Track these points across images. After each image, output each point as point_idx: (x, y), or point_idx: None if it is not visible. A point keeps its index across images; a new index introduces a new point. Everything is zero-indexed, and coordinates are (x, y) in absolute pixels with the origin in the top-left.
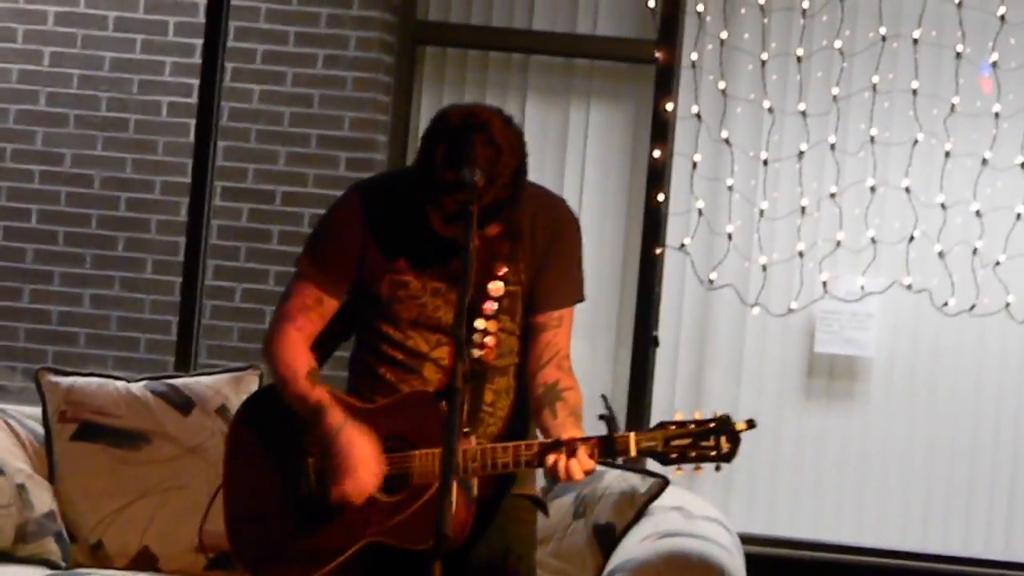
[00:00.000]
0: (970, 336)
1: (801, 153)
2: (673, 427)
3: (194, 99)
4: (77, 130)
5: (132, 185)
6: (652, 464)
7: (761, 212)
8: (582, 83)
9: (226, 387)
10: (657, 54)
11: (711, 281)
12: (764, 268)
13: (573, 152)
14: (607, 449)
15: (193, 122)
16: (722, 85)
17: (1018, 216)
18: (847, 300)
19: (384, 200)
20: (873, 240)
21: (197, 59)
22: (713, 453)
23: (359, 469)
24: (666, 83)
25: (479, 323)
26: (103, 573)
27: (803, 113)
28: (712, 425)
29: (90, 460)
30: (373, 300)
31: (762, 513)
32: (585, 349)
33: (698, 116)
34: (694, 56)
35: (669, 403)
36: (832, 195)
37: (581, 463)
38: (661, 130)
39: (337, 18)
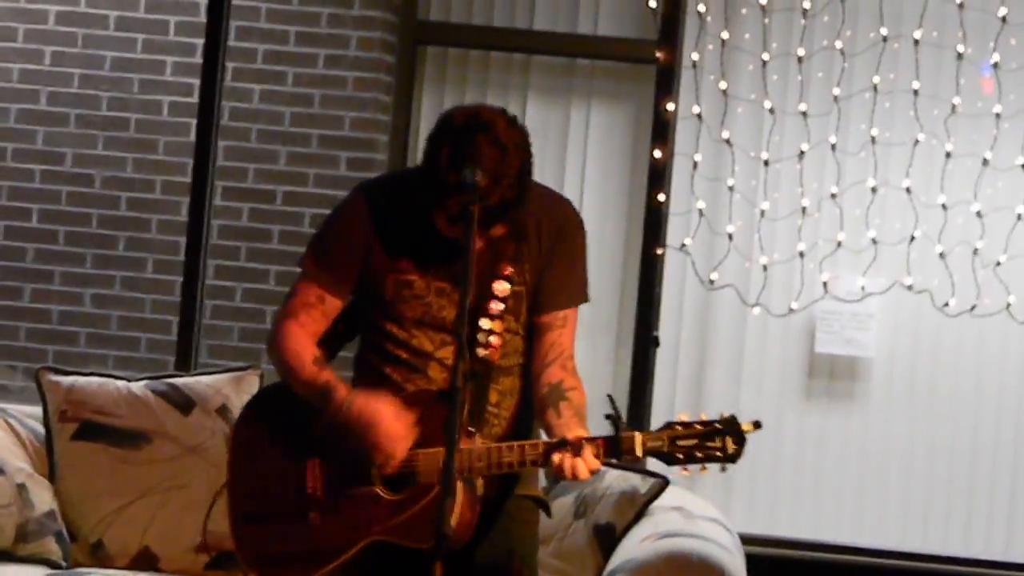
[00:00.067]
0: (971, 337)
1: (802, 153)
2: (679, 428)
3: (195, 98)
4: (78, 129)
5: (133, 184)
6: (656, 464)
7: (762, 212)
8: (583, 83)
9: (227, 387)
10: (658, 54)
11: (712, 281)
12: (765, 268)
13: (574, 152)
14: (613, 449)
15: (194, 121)
16: (723, 85)
17: (1019, 216)
18: (848, 300)
19: (389, 200)
20: (874, 240)
21: (198, 59)
22: (719, 454)
23: (384, 427)
24: (667, 83)
25: (484, 323)
26: (103, 573)
27: (804, 113)
28: (718, 426)
29: (90, 460)
30: (378, 300)
31: (762, 513)
32: (586, 349)
33: (699, 116)
34: (695, 56)
35: (669, 403)
36: (833, 195)
37: (587, 463)
38: (662, 130)
39: (338, 18)
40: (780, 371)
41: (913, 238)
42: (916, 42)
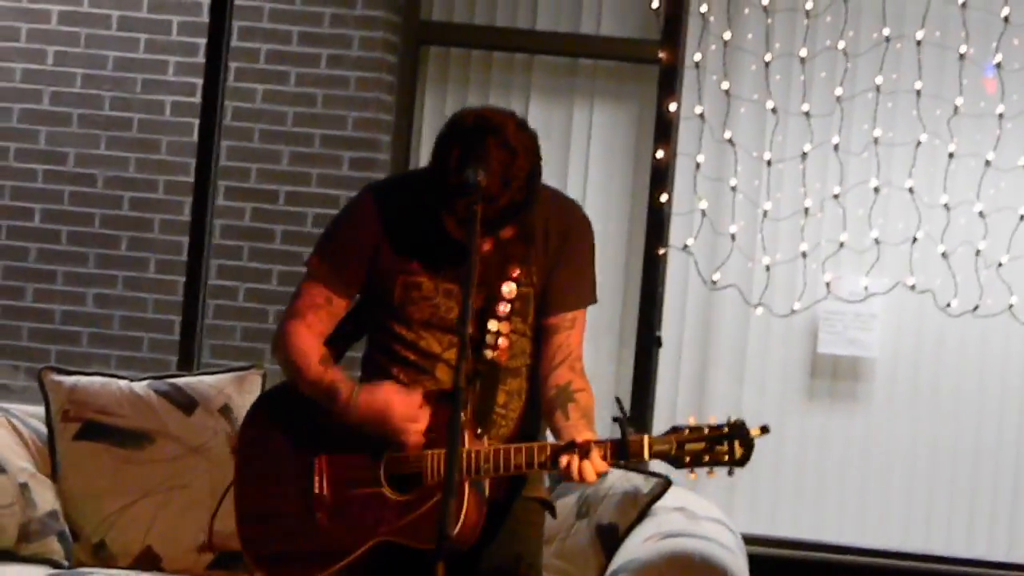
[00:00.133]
0: (973, 337)
1: (804, 154)
2: (687, 431)
3: (198, 98)
4: (81, 129)
5: (135, 184)
6: (663, 467)
7: (764, 213)
8: (585, 83)
9: (229, 387)
10: (661, 54)
11: (714, 281)
12: (767, 268)
13: (576, 152)
14: (620, 452)
15: (197, 121)
16: (725, 85)
17: (1021, 217)
18: (850, 301)
19: (398, 201)
20: (876, 241)
21: (201, 58)
22: (726, 458)
23: (396, 411)
24: (669, 83)
25: (492, 325)
26: (106, 572)
27: (807, 114)
28: (726, 430)
29: (93, 459)
30: (386, 301)
31: (765, 514)
32: (588, 349)
33: (701, 116)
34: (697, 56)
35: (672, 403)
36: (835, 196)
37: (594, 465)
38: (664, 130)
39: (341, 18)
40: (783, 371)
41: (916, 238)
42: (919, 42)
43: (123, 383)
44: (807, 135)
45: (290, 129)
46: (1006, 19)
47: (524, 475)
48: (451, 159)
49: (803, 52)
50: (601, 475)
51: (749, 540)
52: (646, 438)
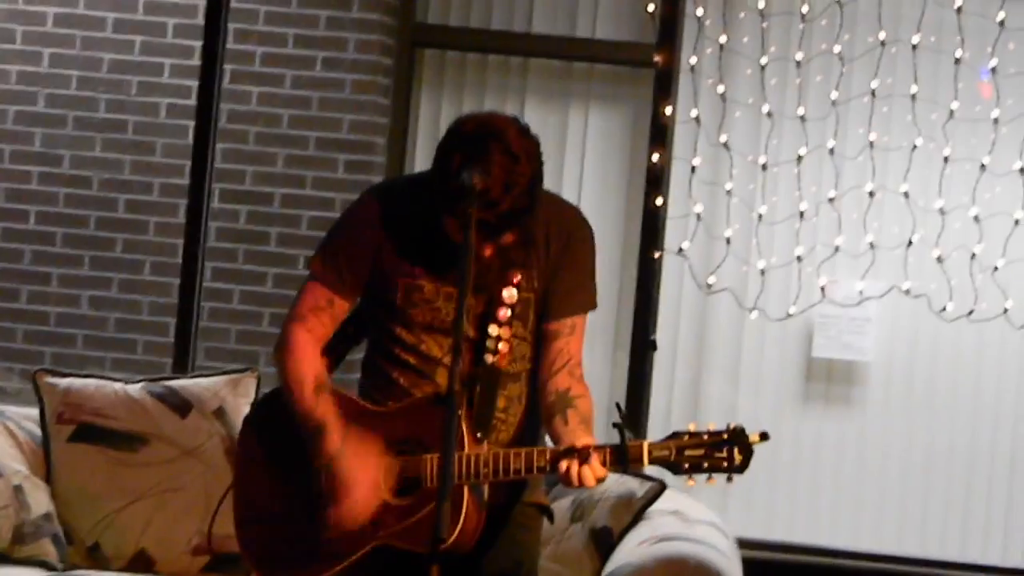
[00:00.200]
0: (968, 341)
1: (800, 157)
2: (687, 437)
3: (193, 101)
4: (76, 131)
5: (130, 187)
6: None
7: (760, 216)
8: (581, 87)
9: (224, 389)
10: (656, 58)
11: (709, 285)
12: (762, 272)
13: (572, 155)
14: (620, 457)
15: (192, 124)
16: (721, 89)
17: (1016, 221)
18: (845, 305)
19: (400, 204)
20: (872, 245)
21: (196, 61)
22: (726, 465)
23: (352, 497)
24: (665, 87)
25: (492, 329)
26: (100, 575)
27: (802, 117)
28: (725, 437)
29: (87, 462)
30: (387, 304)
31: (759, 517)
32: (583, 353)
33: (697, 120)
34: (693, 60)
35: (667, 407)
36: (831, 200)
37: (593, 470)
38: (660, 134)
39: (336, 20)
40: (778, 375)
41: (911, 242)
42: (914, 47)
43: (118, 385)
44: (802, 139)
45: (285, 132)
46: (1001, 23)
47: (523, 480)
48: (453, 163)
49: (799, 56)
50: (600, 481)
51: (743, 544)
52: (645, 444)
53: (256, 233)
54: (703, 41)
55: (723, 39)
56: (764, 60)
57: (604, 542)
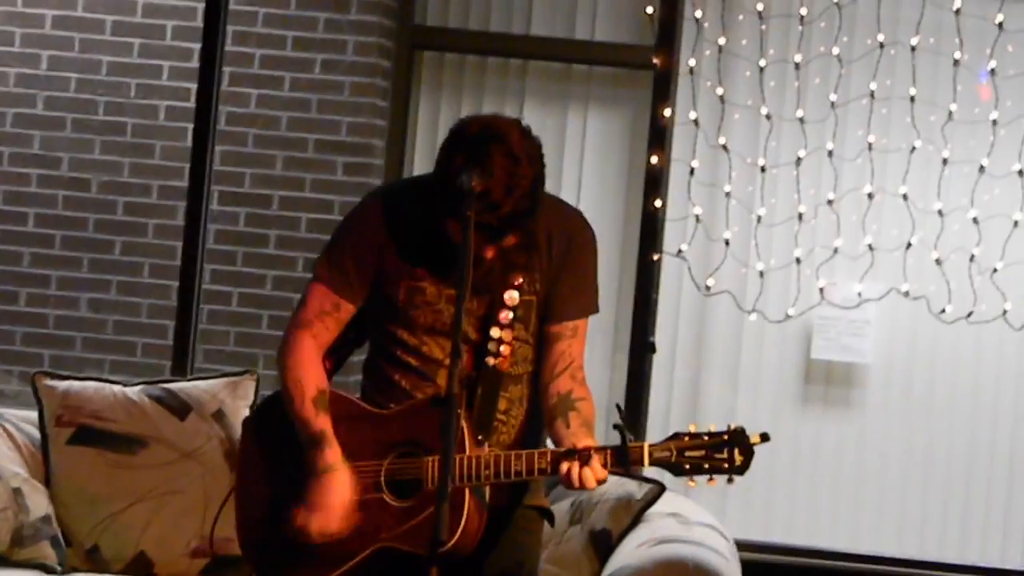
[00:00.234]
0: (967, 343)
1: (799, 160)
2: (687, 438)
3: (192, 103)
4: (74, 134)
5: (129, 189)
6: (658, 473)
7: (758, 218)
8: (580, 89)
9: (223, 392)
10: (655, 60)
11: (708, 287)
12: (761, 274)
13: (571, 157)
14: (621, 459)
15: (191, 126)
16: (720, 91)
17: (1015, 223)
18: (844, 307)
19: (404, 206)
20: (870, 247)
21: (195, 63)
22: (726, 466)
23: (330, 512)
24: (664, 89)
25: (494, 332)
26: None
27: (801, 120)
28: (726, 438)
29: (86, 464)
30: (389, 305)
31: (758, 519)
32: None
33: (696, 122)
34: (692, 62)
35: (666, 409)
36: (830, 202)
37: (594, 472)
38: (659, 136)
39: (335, 23)
40: (776, 377)
41: (910, 244)
42: (913, 49)
43: (116, 388)
44: (801, 141)
45: (284, 134)
46: (1000, 25)
47: (525, 482)
48: (455, 165)
49: (797, 58)
50: (601, 482)
51: (742, 546)
52: (646, 445)
53: (255, 235)
54: (702, 43)
55: (722, 41)
56: (763, 62)
57: (603, 544)
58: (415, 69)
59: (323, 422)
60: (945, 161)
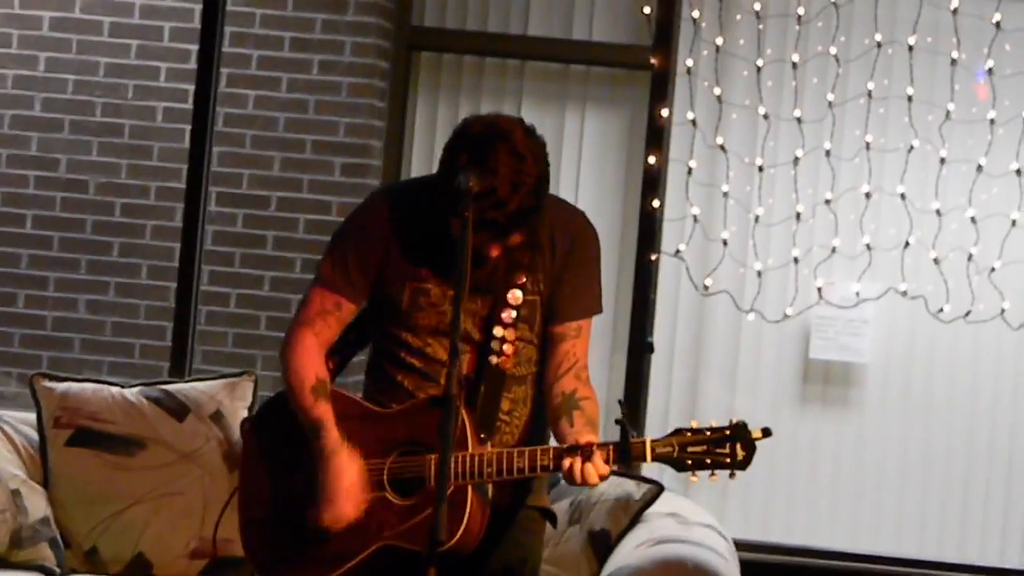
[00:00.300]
0: (965, 342)
1: (796, 159)
2: (689, 434)
3: (189, 104)
4: (72, 135)
5: (127, 190)
6: (656, 470)
7: (756, 218)
8: (577, 89)
9: (221, 393)
10: (652, 60)
11: (706, 287)
12: (759, 274)
13: (568, 158)
14: (623, 454)
15: (188, 127)
16: (717, 91)
17: (1013, 223)
18: (842, 306)
19: (408, 206)
20: (868, 246)
21: (192, 64)
22: (728, 460)
23: (341, 498)
24: (661, 89)
25: (498, 331)
26: None
27: (798, 119)
28: (728, 432)
29: (85, 466)
30: (393, 306)
31: (757, 519)
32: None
33: (693, 122)
34: (689, 62)
35: (664, 409)
36: (827, 201)
37: (597, 468)
38: (656, 136)
39: (332, 23)
40: (775, 377)
41: (908, 244)
42: (910, 48)
43: (115, 389)
44: (799, 141)
45: (282, 135)
46: (997, 24)
47: (528, 480)
48: (459, 165)
49: (795, 58)
50: (603, 478)
51: (741, 546)
52: (648, 441)
53: (253, 236)
54: (699, 43)
55: (719, 41)
56: (760, 62)
57: (602, 544)
58: (413, 70)
59: (322, 410)
60: (943, 160)
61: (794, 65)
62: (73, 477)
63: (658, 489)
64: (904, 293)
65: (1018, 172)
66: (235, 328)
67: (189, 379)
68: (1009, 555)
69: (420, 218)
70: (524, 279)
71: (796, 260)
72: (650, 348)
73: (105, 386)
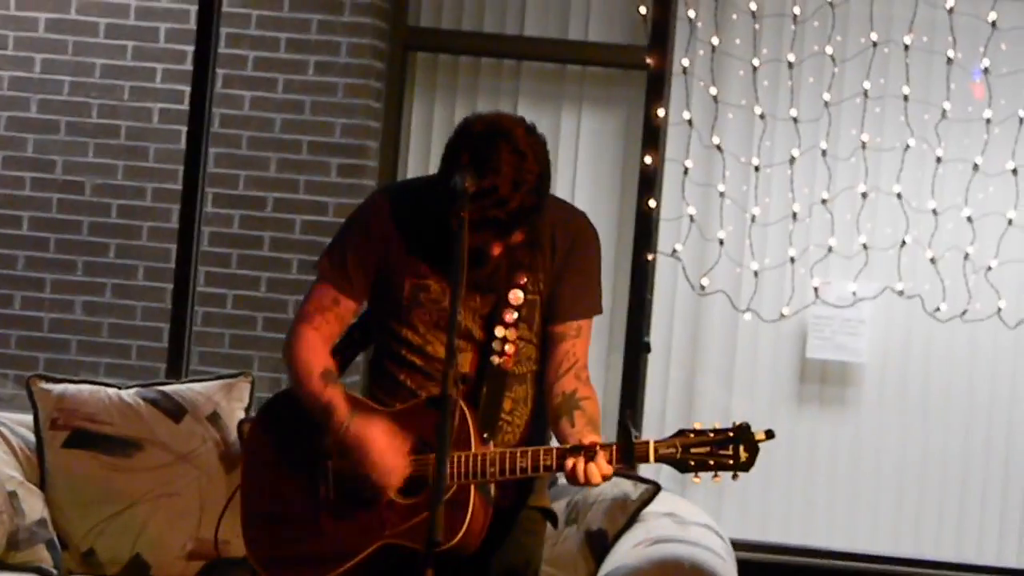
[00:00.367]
0: (962, 341)
1: (793, 159)
2: (692, 435)
3: (185, 105)
4: (68, 137)
5: (123, 192)
6: (652, 471)
7: (753, 218)
8: (573, 89)
9: (217, 394)
10: (648, 60)
11: (703, 287)
12: (756, 274)
13: (565, 158)
14: (626, 455)
15: (184, 129)
16: (713, 91)
17: (1009, 222)
18: (839, 306)
19: (409, 204)
20: (865, 246)
21: (188, 66)
22: (731, 462)
23: (380, 457)
24: (657, 89)
25: (499, 331)
26: None
27: (794, 119)
28: (731, 434)
29: (82, 467)
30: (394, 304)
31: (754, 519)
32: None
33: (689, 122)
34: (685, 62)
35: (661, 409)
36: (824, 201)
37: (599, 468)
38: (652, 136)
39: (328, 24)
40: (771, 376)
41: (904, 243)
42: (906, 47)
43: (111, 391)
44: (795, 140)
45: (278, 136)
46: (993, 23)
47: (530, 480)
48: (461, 163)
49: (791, 57)
50: (606, 478)
51: (738, 545)
52: (651, 442)
53: (249, 237)
54: (695, 43)
55: (715, 41)
56: (756, 62)
57: (599, 544)
58: (408, 70)
59: (331, 392)
60: (939, 159)
61: (790, 65)
62: (70, 478)
63: (655, 489)
64: (901, 292)
65: (1014, 171)
66: (232, 329)
67: (186, 380)
68: (1006, 554)
69: (421, 215)
70: (525, 279)
71: (792, 260)
72: (647, 348)
73: (102, 387)
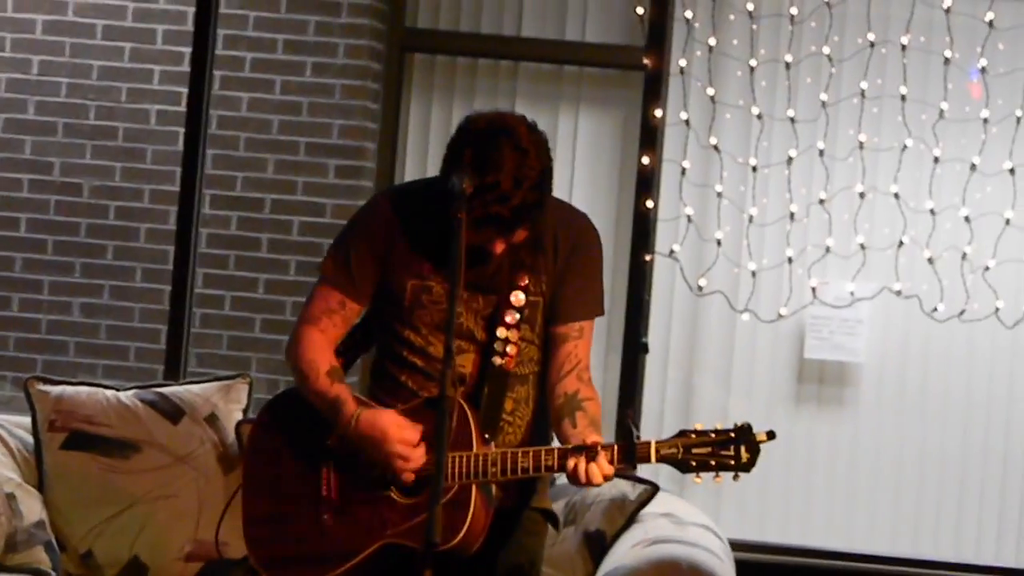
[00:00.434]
0: (960, 341)
1: (790, 159)
2: (693, 435)
3: (183, 107)
4: (66, 139)
5: (121, 194)
6: (651, 471)
7: (750, 218)
8: (571, 90)
9: (215, 395)
10: (646, 61)
11: (700, 287)
12: (753, 274)
13: (562, 158)
14: (628, 455)
15: (182, 130)
16: (711, 91)
17: (1007, 221)
18: (837, 306)
19: (412, 205)
20: (862, 246)
21: (185, 67)
22: (732, 463)
23: (394, 442)
24: (655, 90)
25: (500, 332)
26: None
27: (792, 119)
28: (732, 435)
29: (80, 469)
30: (396, 305)
31: (752, 519)
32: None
33: (687, 123)
34: (683, 63)
35: (659, 409)
36: (821, 201)
37: (601, 468)
38: (650, 137)
39: (326, 26)
40: (769, 377)
41: (902, 243)
42: (903, 47)
43: (109, 392)
44: (792, 140)
45: (275, 137)
46: (990, 23)
47: (532, 481)
48: (463, 161)
49: (788, 57)
50: (608, 478)
51: (736, 546)
52: (653, 442)
53: (247, 239)
54: (692, 43)
55: (712, 41)
56: (753, 62)
57: (597, 545)
58: (406, 71)
59: (339, 388)
60: (936, 159)
61: (787, 65)
62: (68, 480)
63: (653, 489)
64: (898, 292)
65: (1011, 171)
66: (229, 331)
67: (184, 382)
68: (1004, 554)
69: (423, 216)
70: (527, 280)
71: (790, 260)
72: (645, 348)
73: (100, 389)
